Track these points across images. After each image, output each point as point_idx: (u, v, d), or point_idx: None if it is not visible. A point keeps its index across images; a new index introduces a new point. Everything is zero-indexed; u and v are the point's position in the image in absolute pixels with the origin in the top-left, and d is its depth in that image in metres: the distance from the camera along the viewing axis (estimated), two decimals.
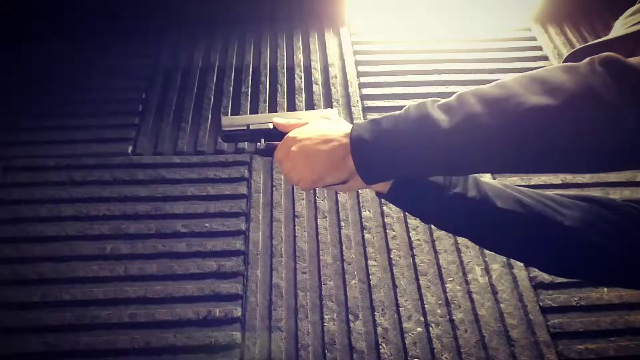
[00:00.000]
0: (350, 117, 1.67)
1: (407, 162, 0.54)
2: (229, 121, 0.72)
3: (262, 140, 0.71)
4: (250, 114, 1.68)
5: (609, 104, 0.43)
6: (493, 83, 0.51)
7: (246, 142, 1.55)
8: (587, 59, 0.46)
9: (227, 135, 0.72)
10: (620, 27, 0.58)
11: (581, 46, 0.59)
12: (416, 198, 0.66)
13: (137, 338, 1.14)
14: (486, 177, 0.70)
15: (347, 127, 0.60)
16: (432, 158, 0.53)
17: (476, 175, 0.66)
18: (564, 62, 0.60)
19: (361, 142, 0.56)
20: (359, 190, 1.45)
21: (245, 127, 0.71)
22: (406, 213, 1.39)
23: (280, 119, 0.70)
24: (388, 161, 0.55)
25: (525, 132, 0.47)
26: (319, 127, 0.63)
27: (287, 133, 0.67)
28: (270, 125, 0.70)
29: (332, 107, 1.70)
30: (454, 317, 1.19)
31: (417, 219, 0.72)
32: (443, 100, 0.53)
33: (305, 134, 0.63)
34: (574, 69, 0.46)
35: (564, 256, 0.64)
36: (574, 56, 0.59)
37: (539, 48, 1.93)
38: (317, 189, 1.44)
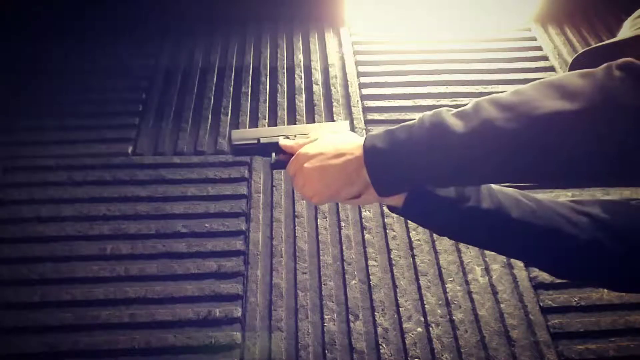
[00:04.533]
0: (350, 117, 1.67)
1: (422, 170, 0.53)
2: (240, 135, 0.72)
3: (273, 154, 0.70)
4: (250, 114, 1.68)
5: (628, 109, 0.43)
6: (509, 91, 0.50)
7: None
8: (604, 65, 0.46)
9: (237, 149, 0.71)
10: (628, 29, 0.57)
11: (589, 47, 0.58)
12: (430, 212, 0.64)
13: (137, 338, 1.14)
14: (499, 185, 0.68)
15: (359, 140, 0.59)
16: (447, 165, 0.52)
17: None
18: (571, 64, 0.59)
19: (375, 152, 0.55)
20: None
21: (256, 141, 0.71)
22: None
23: (287, 140, 0.69)
24: (403, 170, 0.55)
25: (542, 137, 0.46)
26: (330, 141, 0.63)
27: (296, 150, 0.66)
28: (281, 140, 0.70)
29: (332, 108, 1.70)
30: (454, 318, 1.19)
31: (431, 231, 0.72)
32: (458, 109, 0.53)
33: (317, 149, 0.62)
34: (591, 75, 0.45)
35: (578, 266, 0.63)
36: (583, 57, 0.59)
37: (539, 48, 1.93)
38: None
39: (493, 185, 0.65)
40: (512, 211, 0.62)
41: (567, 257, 0.63)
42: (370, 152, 0.56)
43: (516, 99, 0.48)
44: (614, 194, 1.43)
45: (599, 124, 0.44)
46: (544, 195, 0.67)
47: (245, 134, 0.72)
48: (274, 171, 1.49)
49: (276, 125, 1.63)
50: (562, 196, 1.42)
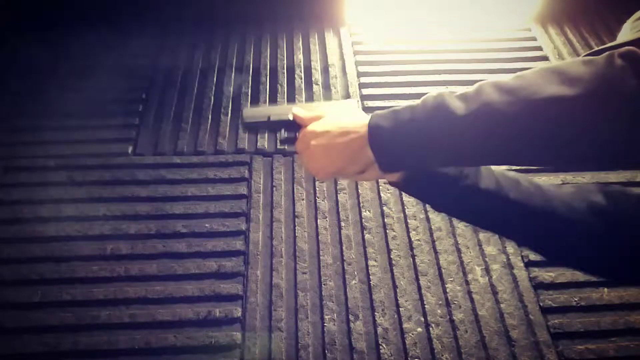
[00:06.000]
0: None
1: (423, 149, 0.55)
2: (251, 112, 0.75)
3: (283, 130, 0.73)
4: None
5: (627, 96, 0.43)
6: (512, 75, 0.51)
7: (246, 142, 1.56)
8: (606, 53, 0.46)
9: (249, 126, 0.74)
10: (629, 31, 0.57)
11: (590, 52, 0.59)
12: (429, 188, 0.67)
13: (138, 338, 1.14)
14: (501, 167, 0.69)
15: (365, 118, 0.61)
16: (447, 145, 0.53)
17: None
18: None
19: (379, 130, 0.57)
20: (359, 190, 1.45)
21: (266, 119, 0.73)
22: (407, 213, 1.39)
23: (299, 110, 0.71)
24: (405, 148, 0.56)
25: (541, 121, 0.47)
26: (337, 119, 0.65)
27: (305, 125, 0.68)
28: (291, 117, 0.72)
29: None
30: (454, 318, 1.19)
31: (429, 206, 0.73)
32: (461, 91, 0.54)
33: (324, 127, 0.64)
34: (593, 62, 0.46)
35: (573, 251, 0.64)
36: None
37: (539, 48, 1.93)
38: (318, 184, 1.45)
39: (494, 167, 0.67)
40: (510, 192, 0.64)
41: (562, 241, 0.64)
42: (375, 131, 0.58)
43: (518, 83, 0.49)
44: None
45: (598, 110, 0.45)
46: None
47: (255, 112, 0.75)
48: (274, 171, 1.49)
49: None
50: None
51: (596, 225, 0.61)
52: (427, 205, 1.39)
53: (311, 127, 0.66)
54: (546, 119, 0.47)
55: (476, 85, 0.52)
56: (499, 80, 0.51)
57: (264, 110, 0.74)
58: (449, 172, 0.64)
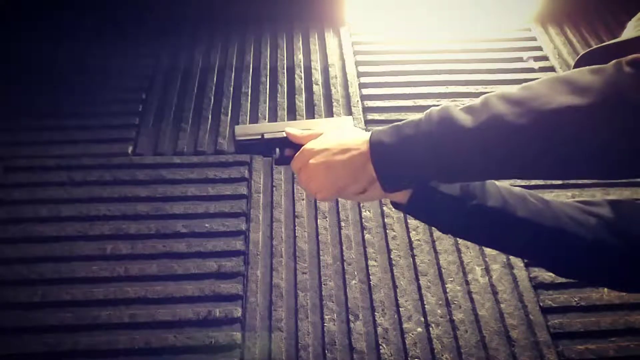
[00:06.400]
0: None
1: (430, 165, 0.53)
2: (243, 130, 0.71)
3: (277, 149, 0.70)
4: (250, 114, 1.68)
5: (637, 105, 0.43)
6: (518, 86, 0.50)
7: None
8: (613, 61, 0.45)
9: (241, 145, 0.71)
10: (633, 29, 0.57)
11: (593, 48, 0.58)
12: (435, 210, 0.64)
13: (138, 338, 1.14)
14: (506, 182, 0.68)
15: (364, 135, 0.59)
16: (455, 160, 0.52)
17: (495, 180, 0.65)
18: (575, 64, 0.59)
19: (382, 147, 0.55)
20: None
21: (260, 137, 0.70)
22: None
23: (294, 129, 0.68)
24: (410, 166, 0.54)
25: (551, 132, 0.46)
26: (335, 137, 0.62)
27: (301, 144, 0.66)
28: (285, 134, 0.69)
29: (332, 108, 1.70)
30: (454, 318, 1.19)
31: (435, 229, 0.71)
32: (465, 104, 0.52)
33: (323, 145, 0.62)
34: (601, 70, 0.45)
35: (584, 266, 0.63)
36: (588, 57, 0.59)
37: (539, 48, 1.93)
38: None
39: (499, 184, 0.65)
40: (518, 210, 0.62)
41: (573, 257, 0.63)
42: (377, 148, 0.56)
43: (526, 94, 0.48)
44: (614, 194, 1.43)
45: (610, 119, 0.44)
46: (548, 196, 0.67)
47: (248, 130, 0.71)
48: (274, 171, 1.49)
49: None
50: (562, 196, 1.42)
51: (606, 238, 0.60)
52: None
53: (309, 145, 0.63)
54: (558, 129, 0.46)
55: (482, 97, 0.51)
56: (505, 92, 0.50)
57: (257, 128, 0.71)
58: (455, 192, 0.62)
